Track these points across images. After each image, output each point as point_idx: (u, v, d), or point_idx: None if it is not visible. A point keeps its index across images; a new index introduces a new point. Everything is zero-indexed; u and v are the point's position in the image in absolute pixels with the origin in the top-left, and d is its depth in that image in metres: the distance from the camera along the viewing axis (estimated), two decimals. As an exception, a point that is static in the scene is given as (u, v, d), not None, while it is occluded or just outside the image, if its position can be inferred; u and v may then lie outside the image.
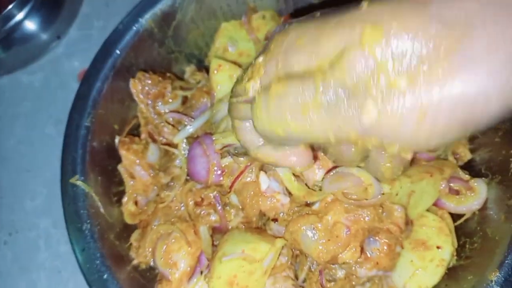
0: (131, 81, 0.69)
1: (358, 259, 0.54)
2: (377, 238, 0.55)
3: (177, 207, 0.64)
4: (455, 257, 0.61)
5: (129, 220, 0.68)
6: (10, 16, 0.95)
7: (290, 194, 0.60)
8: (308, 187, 0.59)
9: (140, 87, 0.68)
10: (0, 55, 0.99)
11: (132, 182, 0.68)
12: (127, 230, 0.69)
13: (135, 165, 0.67)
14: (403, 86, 0.31)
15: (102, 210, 0.65)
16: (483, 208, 0.61)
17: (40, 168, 0.96)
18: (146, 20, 0.72)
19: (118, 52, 0.70)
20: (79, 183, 0.64)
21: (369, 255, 0.55)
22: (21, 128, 0.99)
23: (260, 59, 0.40)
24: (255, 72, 0.40)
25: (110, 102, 0.71)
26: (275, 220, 0.60)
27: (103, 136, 0.70)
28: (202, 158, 0.61)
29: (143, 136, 0.72)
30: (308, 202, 0.58)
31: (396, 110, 0.32)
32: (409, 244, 0.59)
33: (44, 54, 1.03)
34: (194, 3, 0.74)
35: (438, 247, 0.58)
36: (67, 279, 0.86)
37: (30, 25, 0.99)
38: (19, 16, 0.96)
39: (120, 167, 0.69)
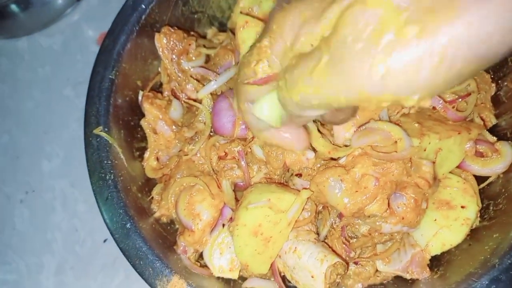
0: (157, 35, 0.69)
1: (384, 214, 0.54)
2: (404, 193, 0.54)
3: (200, 162, 0.64)
4: (479, 219, 0.61)
5: (150, 175, 0.68)
6: (29, -22, 0.94)
7: (315, 151, 0.59)
8: (333, 144, 0.59)
9: (166, 41, 0.68)
10: (19, 15, 0.98)
11: (154, 137, 0.68)
12: (149, 184, 0.69)
13: (158, 120, 0.67)
14: (413, 33, 0.30)
15: (125, 162, 0.65)
16: (509, 170, 0.60)
17: (58, 130, 0.96)
18: (172, -24, 0.71)
19: (143, 6, 0.70)
20: (103, 134, 0.64)
21: (395, 210, 0.54)
22: (39, 90, 0.99)
23: (265, 41, 0.41)
24: (262, 54, 0.42)
25: (134, 57, 0.70)
26: (299, 175, 0.60)
27: (126, 91, 0.70)
28: (228, 112, 0.61)
29: (166, 93, 0.72)
30: (334, 157, 0.58)
31: (410, 59, 0.30)
32: (433, 204, 0.59)
33: (63, 16, 1.02)
34: (220, -38, 0.74)
35: (462, 207, 0.58)
36: (84, 237, 0.86)
37: (49, -13, 0.99)
38: (38, -23, 0.95)
39: (143, 122, 0.69)
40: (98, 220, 0.62)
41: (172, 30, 0.69)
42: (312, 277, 0.54)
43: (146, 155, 0.69)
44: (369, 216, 0.54)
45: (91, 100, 0.66)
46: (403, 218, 0.54)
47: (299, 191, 0.58)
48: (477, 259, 0.54)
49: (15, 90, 1.01)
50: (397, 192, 0.55)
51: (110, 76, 0.67)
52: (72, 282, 0.85)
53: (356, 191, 0.52)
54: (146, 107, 0.67)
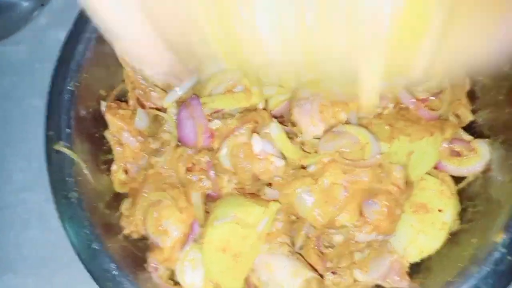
0: (116, 43, 0.65)
1: (357, 223, 0.52)
2: (376, 200, 0.52)
3: (167, 174, 0.62)
4: (458, 221, 0.59)
5: (118, 189, 0.65)
6: (-11, -17, 0.90)
7: (285, 157, 0.57)
8: (304, 150, 0.57)
9: (126, 48, 0.65)
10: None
11: (119, 149, 0.65)
12: (118, 199, 0.66)
13: (122, 131, 0.64)
14: None
15: (90, 178, 0.62)
16: (487, 170, 0.58)
17: (28, 141, 0.92)
18: (131, -22, 0.67)
19: (102, 12, 0.66)
20: (64, 149, 0.61)
21: (368, 219, 0.52)
22: (5, 101, 0.95)
23: None
24: None
25: (95, 66, 0.67)
26: (269, 184, 0.58)
27: (89, 102, 0.67)
28: (189, 121, 0.58)
29: (131, 102, 0.69)
30: (304, 165, 0.55)
31: None
32: (409, 208, 0.57)
33: (27, 23, 0.98)
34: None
35: (439, 210, 0.56)
36: (61, 254, 0.83)
37: (11, -7, 0.94)
38: (-1, -17, 0.91)
39: (107, 134, 0.66)
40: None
41: (133, 36, 0.66)
42: (285, 292, 0.52)
43: (114, 168, 0.66)
44: (341, 227, 0.52)
45: (50, 114, 0.63)
46: (377, 227, 0.52)
47: (270, 201, 0.56)
48: (456, 266, 0.52)
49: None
50: (370, 199, 0.52)
51: (69, 88, 0.64)
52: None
53: (326, 202, 0.50)
54: (109, 118, 0.64)
